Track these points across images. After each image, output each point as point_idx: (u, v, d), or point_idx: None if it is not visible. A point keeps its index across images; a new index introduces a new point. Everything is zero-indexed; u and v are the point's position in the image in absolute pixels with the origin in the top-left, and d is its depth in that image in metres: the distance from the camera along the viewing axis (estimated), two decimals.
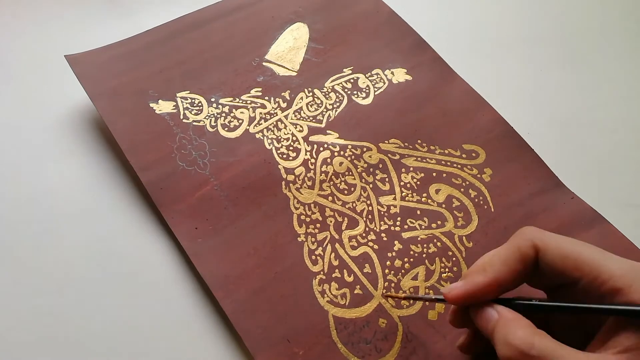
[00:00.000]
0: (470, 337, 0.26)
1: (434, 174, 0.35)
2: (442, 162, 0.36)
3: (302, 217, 0.32)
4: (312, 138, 0.36)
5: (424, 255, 0.32)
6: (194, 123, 0.35)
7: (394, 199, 0.34)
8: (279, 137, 0.36)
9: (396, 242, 0.32)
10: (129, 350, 0.28)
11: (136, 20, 0.42)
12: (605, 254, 0.22)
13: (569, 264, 0.22)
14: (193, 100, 0.36)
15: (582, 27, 0.47)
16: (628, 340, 0.20)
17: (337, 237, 0.32)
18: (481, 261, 0.24)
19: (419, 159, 0.36)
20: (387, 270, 0.31)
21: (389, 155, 0.35)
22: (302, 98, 0.38)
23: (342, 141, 0.36)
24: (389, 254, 0.31)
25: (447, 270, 0.31)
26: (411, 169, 0.35)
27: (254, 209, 0.32)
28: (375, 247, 0.32)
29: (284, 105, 0.37)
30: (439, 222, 0.33)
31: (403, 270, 0.31)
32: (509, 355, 0.21)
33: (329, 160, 0.35)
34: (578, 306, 0.22)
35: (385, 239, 0.32)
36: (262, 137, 0.35)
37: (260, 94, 0.37)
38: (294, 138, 0.36)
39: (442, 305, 0.30)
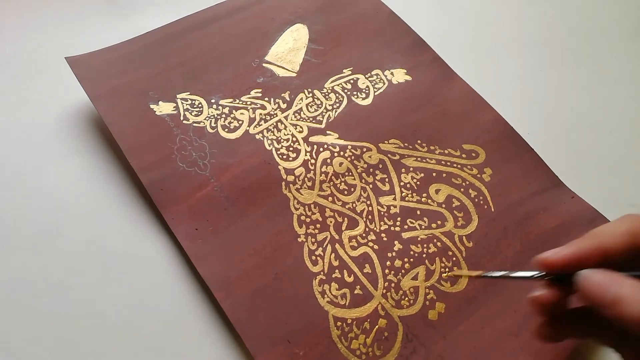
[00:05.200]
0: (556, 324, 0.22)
1: (434, 174, 0.35)
2: (442, 162, 0.36)
3: (302, 217, 0.33)
4: (312, 139, 0.36)
5: (424, 255, 0.32)
6: (194, 124, 0.35)
7: (394, 199, 0.34)
8: (279, 138, 0.36)
9: (396, 242, 0.32)
10: (129, 350, 0.29)
11: (136, 22, 0.42)
12: None
13: None
14: (193, 102, 0.37)
15: (582, 27, 0.47)
16: None
17: (337, 237, 0.32)
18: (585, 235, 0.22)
19: (418, 159, 0.36)
20: (387, 270, 0.31)
21: (389, 155, 0.35)
22: (302, 99, 0.38)
23: (342, 142, 0.36)
24: (389, 254, 0.31)
25: (447, 270, 0.31)
26: (411, 169, 0.35)
27: (254, 210, 0.32)
28: (376, 247, 0.32)
29: (283, 106, 0.37)
30: (439, 222, 0.33)
31: (403, 270, 0.31)
32: None
33: (328, 160, 0.35)
34: None
35: (385, 239, 0.32)
36: (262, 138, 0.35)
37: (260, 95, 0.37)
38: (294, 139, 0.36)
39: (442, 305, 0.30)
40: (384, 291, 0.30)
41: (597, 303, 0.20)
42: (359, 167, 0.35)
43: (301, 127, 0.36)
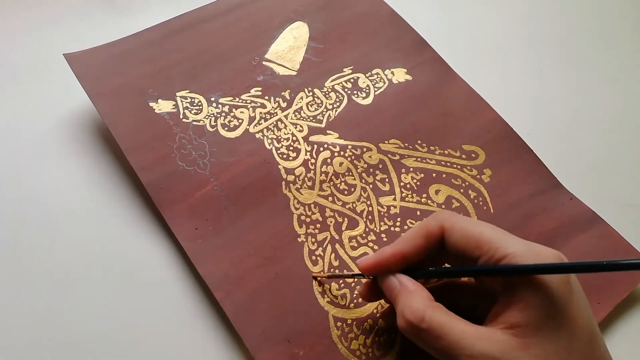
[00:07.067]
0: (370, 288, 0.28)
1: (434, 175, 0.35)
2: (442, 162, 0.36)
3: (302, 217, 0.33)
4: (312, 138, 0.36)
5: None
6: (194, 123, 0.35)
7: (394, 199, 0.34)
8: (279, 137, 0.36)
9: None
10: (129, 350, 0.29)
11: (136, 20, 0.42)
12: (505, 235, 0.24)
13: (470, 244, 0.24)
14: (193, 100, 0.36)
15: (582, 27, 0.47)
16: (514, 318, 0.22)
17: (337, 237, 0.32)
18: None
19: (419, 159, 0.36)
20: None
21: (389, 155, 0.35)
22: (302, 98, 0.38)
23: (342, 141, 0.36)
24: None
25: None
26: (411, 169, 0.35)
27: (254, 209, 0.32)
28: (376, 247, 0.32)
29: (284, 105, 0.37)
30: None
31: None
32: (402, 327, 0.23)
33: (329, 160, 0.35)
34: (467, 269, 0.24)
35: (385, 239, 0.32)
36: (262, 137, 0.35)
37: (260, 93, 0.37)
38: (294, 138, 0.36)
39: None
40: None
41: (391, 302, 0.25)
42: (359, 167, 0.35)
43: (301, 126, 0.36)
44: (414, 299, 0.23)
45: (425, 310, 0.23)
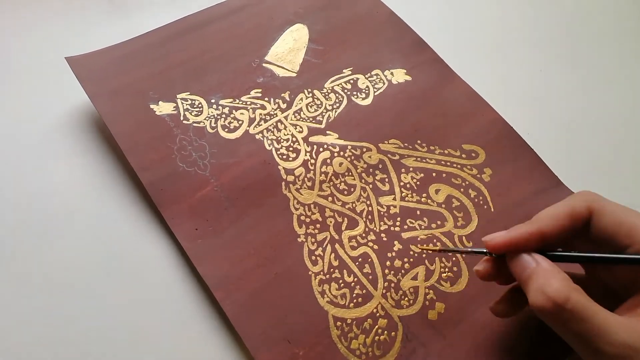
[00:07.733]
0: (505, 298, 0.26)
1: (434, 174, 0.35)
2: (442, 162, 0.36)
3: (302, 217, 0.33)
4: (312, 139, 0.36)
5: (424, 255, 0.32)
6: (194, 124, 0.35)
7: (394, 199, 0.34)
8: (279, 138, 0.36)
9: (396, 242, 0.32)
10: (129, 350, 0.29)
11: (136, 22, 0.42)
12: None
13: (622, 230, 0.22)
14: (193, 102, 0.37)
15: (582, 27, 0.47)
16: None
17: (337, 237, 0.32)
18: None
19: (418, 159, 0.36)
20: (387, 271, 0.31)
21: (389, 155, 0.36)
22: (301, 99, 0.38)
23: (341, 142, 0.36)
24: (389, 254, 0.31)
25: (446, 270, 0.31)
26: (411, 169, 0.35)
27: (254, 210, 0.32)
28: (375, 247, 0.32)
29: (283, 106, 0.37)
30: (438, 222, 0.33)
31: (403, 271, 0.31)
32: (542, 305, 0.21)
33: (328, 160, 0.35)
34: (618, 257, 0.22)
35: (385, 239, 0.32)
36: (262, 138, 0.35)
37: (260, 95, 0.37)
38: (294, 139, 0.36)
39: (442, 305, 0.30)
40: (384, 291, 0.30)
41: (518, 282, 0.23)
42: (358, 167, 0.35)
43: (301, 127, 0.36)
44: (556, 278, 0.21)
45: (570, 291, 0.21)
